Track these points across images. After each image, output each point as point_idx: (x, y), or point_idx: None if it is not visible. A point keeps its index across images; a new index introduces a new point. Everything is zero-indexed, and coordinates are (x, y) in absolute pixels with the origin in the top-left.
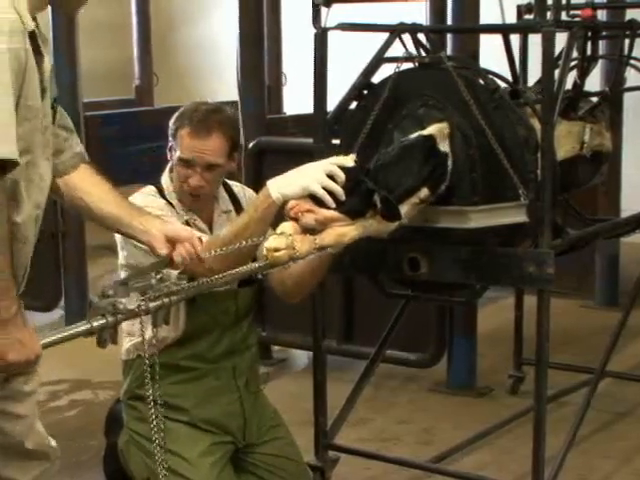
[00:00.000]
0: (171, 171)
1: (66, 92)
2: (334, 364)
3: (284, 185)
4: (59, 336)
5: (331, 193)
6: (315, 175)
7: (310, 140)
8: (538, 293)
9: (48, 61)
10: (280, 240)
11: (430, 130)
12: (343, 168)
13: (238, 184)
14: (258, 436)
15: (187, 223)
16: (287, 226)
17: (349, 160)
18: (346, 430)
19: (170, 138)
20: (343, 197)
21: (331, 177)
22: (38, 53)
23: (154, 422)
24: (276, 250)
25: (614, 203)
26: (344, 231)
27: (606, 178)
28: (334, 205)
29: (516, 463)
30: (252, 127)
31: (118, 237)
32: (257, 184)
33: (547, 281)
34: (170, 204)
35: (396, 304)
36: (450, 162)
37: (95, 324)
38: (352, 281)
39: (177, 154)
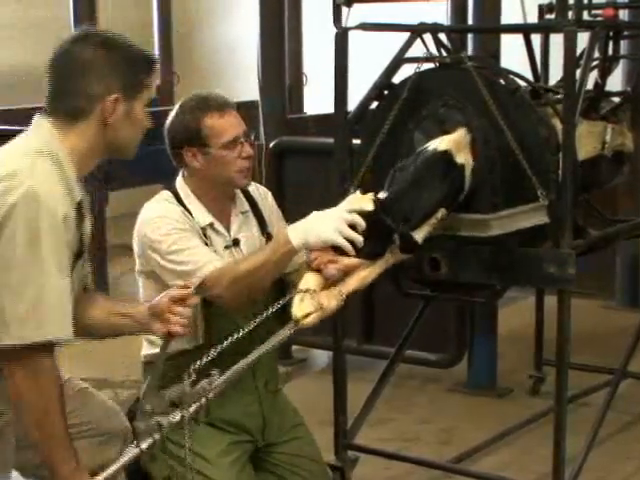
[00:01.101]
0: (184, 175)
1: None
2: (355, 364)
3: (305, 234)
4: (113, 470)
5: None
6: (336, 225)
7: (331, 140)
8: (559, 293)
9: (89, 222)
10: (309, 304)
11: (445, 144)
12: (362, 213)
13: (254, 184)
14: (278, 436)
15: (203, 229)
16: (311, 281)
17: (368, 202)
18: (366, 430)
19: (188, 146)
20: (362, 243)
21: (351, 225)
22: (81, 216)
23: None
24: (307, 316)
25: (635, 203)
26: (366, 274)
27: (627, 178)
28: (354, 253)
29: (536, 464)
30: (273, 127)
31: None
32: (278, 184)
33: (568, 281)
34: (187, 210)
35: (416, 304)
36: (468, 171)
37: (144, 446)
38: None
39: (217, 143)
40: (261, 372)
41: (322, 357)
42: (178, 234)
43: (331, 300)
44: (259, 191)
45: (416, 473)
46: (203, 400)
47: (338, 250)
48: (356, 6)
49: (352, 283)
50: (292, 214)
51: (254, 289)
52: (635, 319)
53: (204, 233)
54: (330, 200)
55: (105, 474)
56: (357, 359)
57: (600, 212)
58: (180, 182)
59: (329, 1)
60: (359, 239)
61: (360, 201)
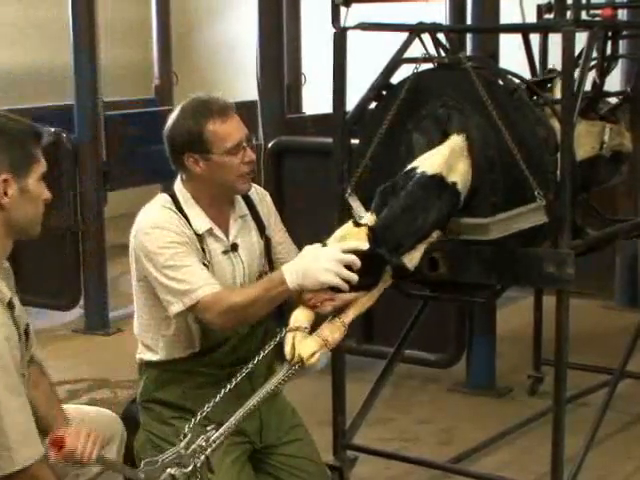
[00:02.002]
0: (182, 179)
1: (86, 91)
2: (355, 364)
3: (301, 277)
4: None
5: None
6: (332, 268)
7: (329, 140)
8: (558, 293)
9: (17, 306)
10: (313, 343)
11: (435, 168)
12: (358, 252)
13: (253, 185)
14: (277, 437)
15: (201, 237)
16: (301, 317)
17: (363, 241)
18: (366, 430)
19: (190, 151)
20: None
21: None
22: (11, 308)
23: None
24: (313, 355)
25: (634, 203)
26: (363, 302)
27: (626, 178)
28: (348, 290)
29: (536, 463)
30: (271, 126)
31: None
32: (276, 183)
33: (567, 281)
34: (185, 216)
35: (415, 304)
36: (464, 182)
37: None
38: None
39: (221, 149)
40: (258, 373)
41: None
42: (176, 249)
43: (334, 333)
44: (258, 193)
45: (415, 473)
46: (202, 458)
47: (333, 288)
48: (354, 6)
49: (352, 312)
50: (290, 214)
51: (246, 320)
52: (634, 319)
53: (202, 239)
54: (328, 200)
55: None
56: (356, 359)
57: (599, 212)
58: (179, 186)
59: (327, 1)
60: (355, 278)
61: (355, 237)
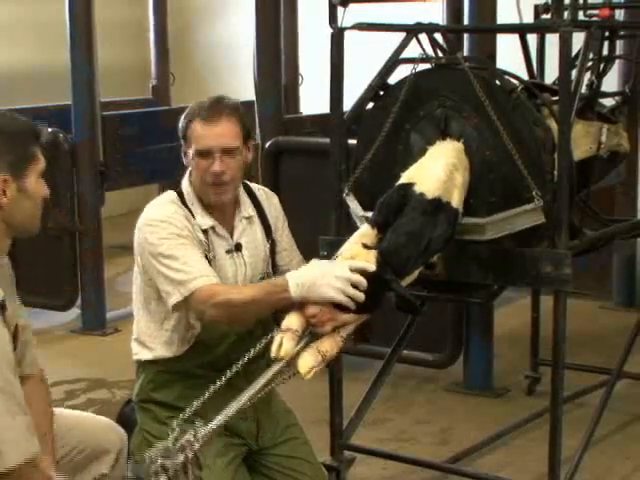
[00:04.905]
0: (191, 175)
1: (83, 91)
2: (352, 364)
3: (306, 289)
4: None
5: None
6: (339, 285)
7: (327, 140)
8: (555, 293)
9: (10, 307)
10: (311, 359)
11: (433, 191)
12: (364, 273)
13: (262, 188)
14: (272, 439)
15: (205, 232)
16: (294, 321)
17: (371, 263)
18: (363, 430)
19: (182, 141)
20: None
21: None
22: (4, 309)
23: None
24: (310, 371)
25: (632, 203)
26: (361, 318)
27: (624, 178)
28: (354, 308)
29: (533, 463)
30: (269, 127)
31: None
32: (274, 184)
33: (564, 282)
34: (190, 212)
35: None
36: (460, 202)
37: None
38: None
39: (193, 149)
40: (256, 375)
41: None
42: (176, 240)
43: (333, 347)
44: (266, 195)
45: (413, 473)
46: (190, 453)
47: (337, 305)
48: (352, 6)
49: (350, 327)
50: (288, 214)
51: (239, 319)
52: (631, 319)
53: (207, 234)
54: (326, 200)
55: None
56: (353, 359)
57: (596, 212)
58: (185, 183)
59: (325, 1)
60: (361, 298)
61: (364, 257)
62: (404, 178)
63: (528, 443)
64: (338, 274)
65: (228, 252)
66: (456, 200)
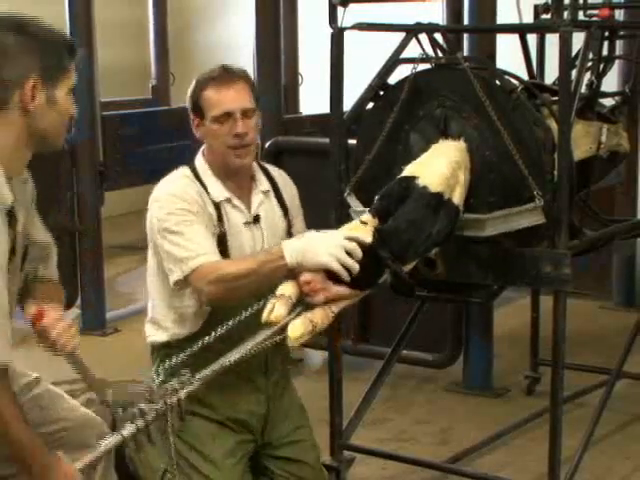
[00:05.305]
0: (203, 154)
1: (83, 91)
2: (352, 364)
3: (302, 254)
4: (93, 456)
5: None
6: (333, 252)
7: (327, 140)
8: (555, 293)
9: (22, 220)
10: (302, 327)
11: (436, 186)
12: (360, 243)
13: (275, 167)
14: (279, 436)
15: (218, 206)
16: (288, 289)
17: (368, 234)
18: (363, 430)
19: (192, 114)
20: (357, 271)
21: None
22: (12, 217)
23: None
24: (300, 337)
25: (632, 203)
26: (354, 295)
27: (624, 178)
28: (349, 279)
29: (533, 463)
30: (269, 127)
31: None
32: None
33: (564, 282)
34: (204, 187)
35: (413, 304)
36: (461, 199)
37: (126, 433)
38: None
39: (210, 117)
40: (272, 368)
41: (318, 357)
42: (184, 216)
43: (324, 320)
44: (282, 177)
45: (413, 473)
46: (175, 399)
47: (331, 274)
48: (352, 6)
49: (341, 303)
50: None
51: (238, 292)
52: (631, 319)
53: (220, 208)
54: (326, 200)
55: (85, 460)
56: (353, 359)
57: (596, 212)
58: (199, 158)
59: (325, 1)
60: (355, 267)
61: (360, 231)
62: (406, 172)
63: (528, 443)
64: (333, 241)
65: (246, 224)
66: (457, 198)
